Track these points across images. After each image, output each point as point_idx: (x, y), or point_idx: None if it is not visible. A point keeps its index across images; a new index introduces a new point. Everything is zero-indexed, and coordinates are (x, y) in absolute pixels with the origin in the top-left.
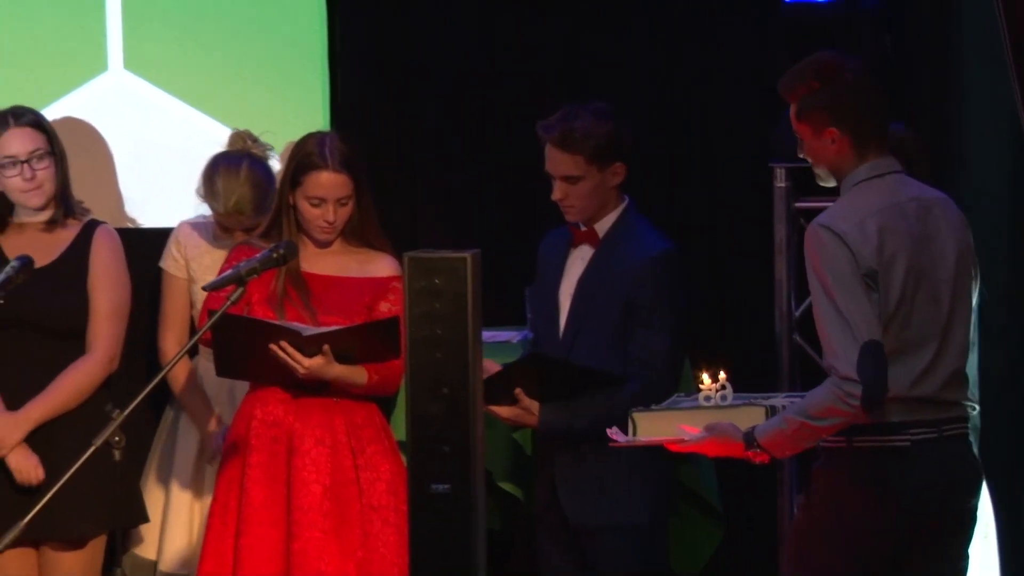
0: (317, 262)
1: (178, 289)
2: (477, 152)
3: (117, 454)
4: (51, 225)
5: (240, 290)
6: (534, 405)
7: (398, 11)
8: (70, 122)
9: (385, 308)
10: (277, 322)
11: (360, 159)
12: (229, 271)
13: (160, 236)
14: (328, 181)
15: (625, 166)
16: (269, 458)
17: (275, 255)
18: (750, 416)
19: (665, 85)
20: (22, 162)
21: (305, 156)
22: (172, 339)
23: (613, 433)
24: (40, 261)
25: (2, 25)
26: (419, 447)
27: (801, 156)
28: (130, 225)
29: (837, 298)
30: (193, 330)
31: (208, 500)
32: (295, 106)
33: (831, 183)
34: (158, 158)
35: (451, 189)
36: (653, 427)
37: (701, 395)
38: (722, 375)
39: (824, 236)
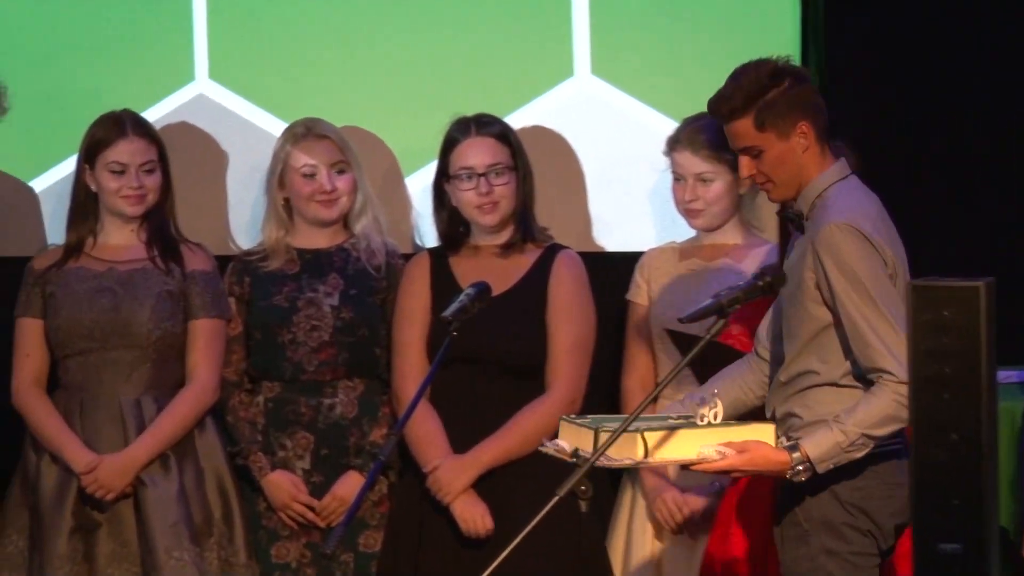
0: None
1: (644, 320)
2: (987, 168)
3: (583, 505)
4: (508, 249)
5: (721, 322)
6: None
7: (892, 19)
8: (536, 132)
9: None
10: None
11: None
12: (709, 300)
13: (629, 261)
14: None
15: None
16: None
17: (760, 283)
18: (760, 433)
19: None
20: (479, 175)
21: None
22: (636, 377)
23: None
24: (495, 289)
25: (469, 30)
26: (924, 499)
27: (749, 176)
28: (595, 249)
29: (878, 298)
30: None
31: (661, 548)
32: None
33: (786, 196)
34: (627, 172)
35: (958, 210)
36: (667, 448)
37: (699, 414)
38: (714, 391)
39: (853, 236)
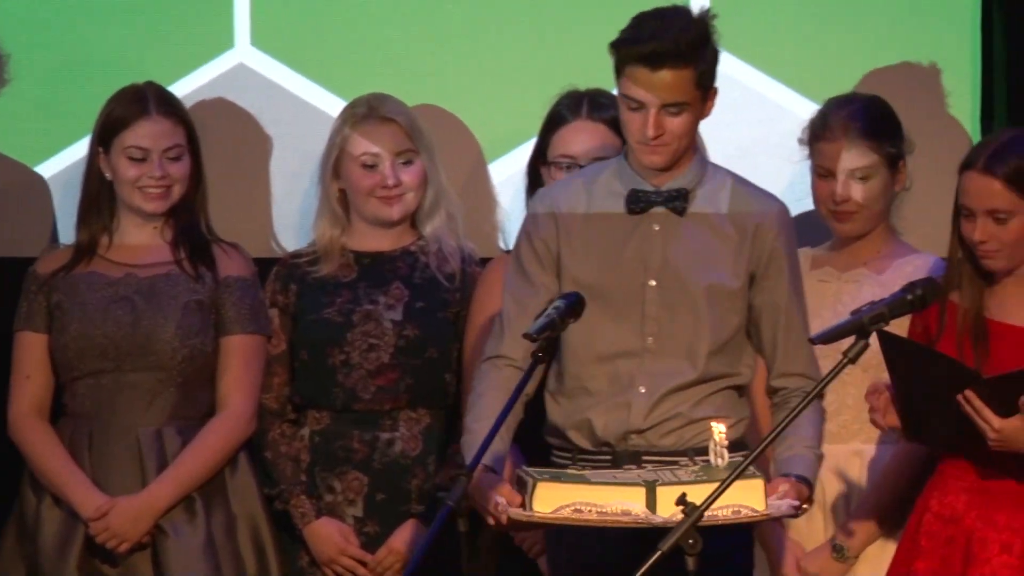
0: (1003, 306)
1: None
2: None
3: (691, 562)
4: None
5: (861, 343)
6: None
7: None
8: None
9: None
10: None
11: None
12: (847, 318)
13: None
14: (979, 186)
15: None
16: (941, 566)
17: (910, 297)
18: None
19: None
20: (581, 167)
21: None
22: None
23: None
24: None
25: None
26: None
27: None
28: None
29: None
30: None
31: None
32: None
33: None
34: (759, 160)
35: None
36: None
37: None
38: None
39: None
